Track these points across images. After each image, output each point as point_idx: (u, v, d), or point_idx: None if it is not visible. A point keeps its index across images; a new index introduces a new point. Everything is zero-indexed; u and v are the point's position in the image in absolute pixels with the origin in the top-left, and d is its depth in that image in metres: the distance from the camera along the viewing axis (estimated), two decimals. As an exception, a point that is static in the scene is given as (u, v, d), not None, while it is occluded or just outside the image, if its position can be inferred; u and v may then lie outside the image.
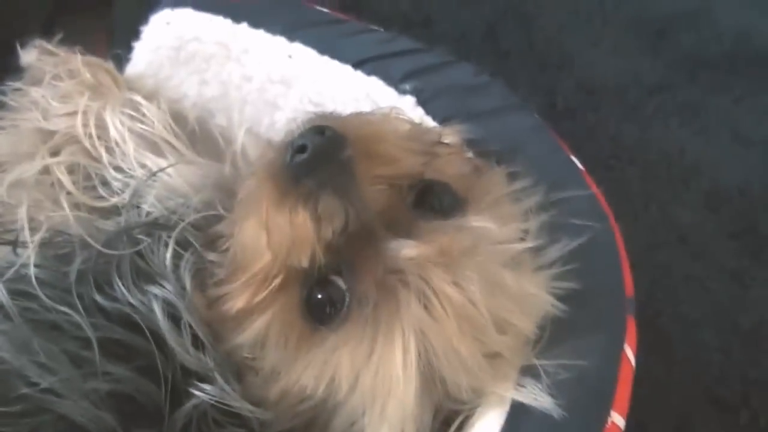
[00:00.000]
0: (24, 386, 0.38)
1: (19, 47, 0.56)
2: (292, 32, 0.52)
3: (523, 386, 0.38)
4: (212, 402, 0.39)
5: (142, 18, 0.59)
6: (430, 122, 0.49)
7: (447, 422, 0.39)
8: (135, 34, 0.59)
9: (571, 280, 0.40)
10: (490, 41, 0.87)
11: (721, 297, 0.71)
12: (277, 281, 0.40)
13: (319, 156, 0.39)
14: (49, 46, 0.56)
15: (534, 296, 0.39)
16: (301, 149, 0.39)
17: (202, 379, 0.40)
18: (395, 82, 0.49)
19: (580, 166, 0.47)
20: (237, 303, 0.41)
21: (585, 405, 0.38)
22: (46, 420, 0.38)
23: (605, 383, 0.38)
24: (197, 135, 0.51)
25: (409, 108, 0.48)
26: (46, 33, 0.57)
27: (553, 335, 0.39)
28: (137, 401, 0.39)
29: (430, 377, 0.38)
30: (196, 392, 0.39)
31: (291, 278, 0.40)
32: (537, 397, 0.38)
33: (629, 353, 0.40)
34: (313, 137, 0.39)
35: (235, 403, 0.40)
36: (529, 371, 0.38)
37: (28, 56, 0.56)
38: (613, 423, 0.38)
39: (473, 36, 0.87)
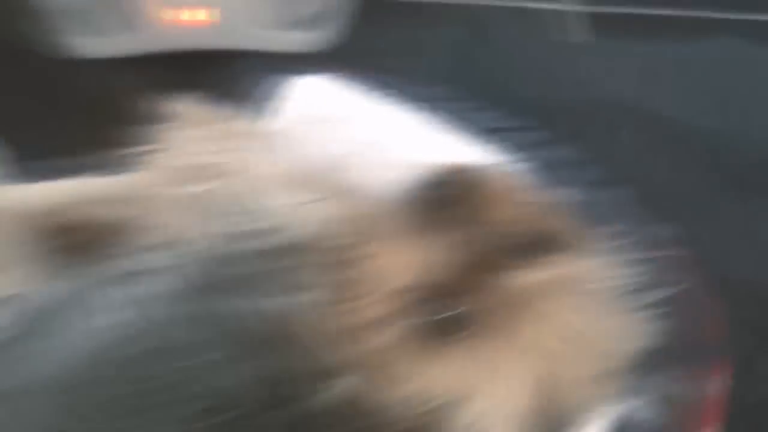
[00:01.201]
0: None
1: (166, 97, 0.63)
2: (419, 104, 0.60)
3: (621, 404, 0.43)
4: (345, 396, 0.45)
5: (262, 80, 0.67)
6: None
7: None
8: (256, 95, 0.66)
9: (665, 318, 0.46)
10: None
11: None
12: (409, 297, 0.45)
13: (455, 195, 0.45)
14: (194, 98, 0.64)
15: (635, 330, 0.45)
16: (438, 187, 0.45)
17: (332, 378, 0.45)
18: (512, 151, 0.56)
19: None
20: (370, 314, 0.46)
21: (677, 422, 0.43)
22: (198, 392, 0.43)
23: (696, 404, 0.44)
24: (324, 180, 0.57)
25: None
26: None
27: (648, 365, 0.44)
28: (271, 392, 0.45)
29: (543, 389, 0.43)
30: (332, 387, 0.45)
31: (421, 295, 0.45)
32: (634, 413, 0.43)
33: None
34: (449, 178, 0.46)
35: (362, 399, 0.45)
36: (628, 392, 0.44)
37: (175, 105, 0.63)
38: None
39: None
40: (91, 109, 0.81)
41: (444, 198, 0.46)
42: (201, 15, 0.90)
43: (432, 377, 0.45)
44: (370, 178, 0.56)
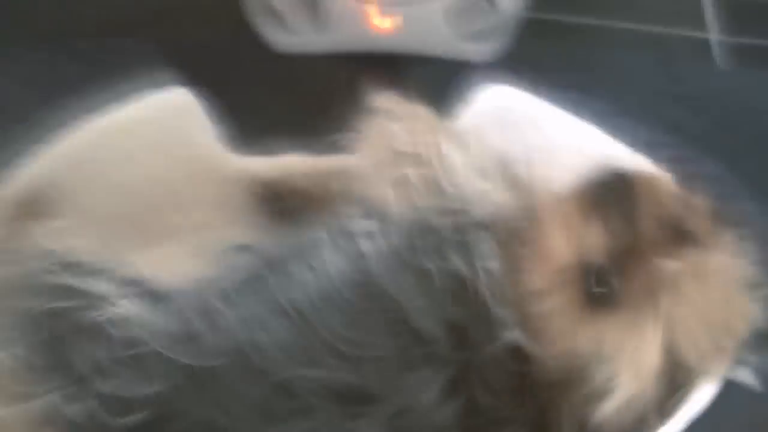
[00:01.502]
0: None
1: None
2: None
3: (735, 369, 0.55)
4: (511, 346, 0.57)
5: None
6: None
7: (675, 388, 0.56)
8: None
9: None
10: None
11: None
12: (571, 273, 0.57)
13: (616, 194, 0.57)
14: (393, 95, 0.76)
15: (752, 312, 0.56)
16: (603, 186, 0.57)
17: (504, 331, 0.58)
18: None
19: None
20: (537, 284, 0.58)
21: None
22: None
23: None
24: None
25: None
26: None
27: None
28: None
29: (672, 355, 0.55)
30: (502, 337, 0.57)
31: (581, 272, 0.57)
32: (746, 378, 0.54)
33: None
34: (613, 179, 0.58)
35: (526, 350, 0.57)
36: (741, 362, 0.55)
37: (379, 100, 0.76)
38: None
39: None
40: (310, 98, 0.95)
41: (607, 195, 0.57)
42: (387, 23, 1.03)
43: (582, 339, 0.56)
44: (544, 174, 0.68)
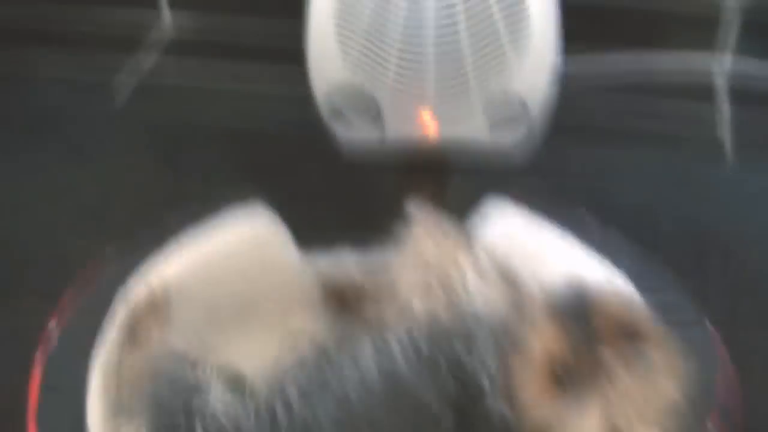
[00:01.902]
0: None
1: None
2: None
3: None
4: (492, 410, 0.78)
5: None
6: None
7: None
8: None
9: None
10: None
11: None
12: (542, 360, 0.78)
13: (577, 306, 0.78)
14: (423, 204, 0.98)
15: (673, 394, 0.77)
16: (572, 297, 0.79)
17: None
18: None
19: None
20: (517, 368, 0.80)
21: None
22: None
23: None
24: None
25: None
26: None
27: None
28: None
29: (610, 422, 0.76)
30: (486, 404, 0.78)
31: (551, 360, 0.78)
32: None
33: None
34: (577, 295, 0.79)
35: (505, 412, 0.78)
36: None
37: (412, 209, 0.98)
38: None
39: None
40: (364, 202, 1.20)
41: (569, 308, 0.79)
42: (428, 116, 1.26)
43: (548, 410, 0.78)
44: (537, 288, 0.89)
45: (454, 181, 1.26)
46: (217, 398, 0.76)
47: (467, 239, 0.95)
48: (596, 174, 1.31)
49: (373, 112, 1.27)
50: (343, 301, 1.01)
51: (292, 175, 1.28)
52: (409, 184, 1.18)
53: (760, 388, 0.98)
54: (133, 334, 0.88)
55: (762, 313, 1.15)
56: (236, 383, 0.79)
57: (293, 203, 1.04)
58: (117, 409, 0.81)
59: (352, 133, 1.28)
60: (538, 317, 0.80)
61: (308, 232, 1.04)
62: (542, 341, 0.78)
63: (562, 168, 1.26)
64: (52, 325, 0.88)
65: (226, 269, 0.98)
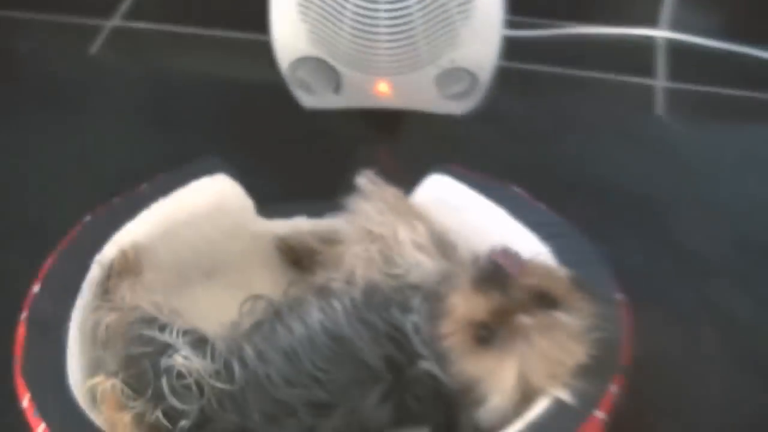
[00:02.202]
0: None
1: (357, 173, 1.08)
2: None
3: (563, 391, 0.87)
4: (425, 371, 0.90)
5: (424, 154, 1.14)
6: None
7: (525, 401, 0.88)
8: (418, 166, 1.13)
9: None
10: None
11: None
12: (466, 324, 0.89)
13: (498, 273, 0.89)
14: (372, 176, 1.08)
15: (579, 354, 0.88)
16: (488, 267, 0.89)
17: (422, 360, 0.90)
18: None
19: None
20: (444, 330, 0.91)
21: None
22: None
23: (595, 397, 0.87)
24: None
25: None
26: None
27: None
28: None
29: (524, 380, 0.87)
30: (420, 365, 0.90)
31: (474, 323, 0.89)
32: (567, 398, 0.87)
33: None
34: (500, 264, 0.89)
35: (437, 371, 0.89)
36: (568, 386, 0.87)
37: (361, 180, 1.08)
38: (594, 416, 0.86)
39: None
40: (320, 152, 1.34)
41: (489, 275, 0.89)
42: (384, 87, 1.36)
43: (470, 367, 0.89)
44: (463, 249, 1.00)
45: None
46: (183, 358, 0.87)
47: (409, 210, 1.05)
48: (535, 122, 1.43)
49: (333, 82, 1.37)
50: (298, 263, 1.12)
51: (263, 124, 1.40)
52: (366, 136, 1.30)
53: (669, 339, 1.12)
54: (107, 295, 0.99)
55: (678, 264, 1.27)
56: (200, 344, 0.90)
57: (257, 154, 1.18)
58: (95, 367, 0.92)
59: (315, 101, 1.38)
60: (467, 285, 0.90)
61: (271, 186, 1.18)
62: (469, 307, 0.89)
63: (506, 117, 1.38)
64: (35, 288, 0.98)
65: (191, 234, 1.09)
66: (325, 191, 1.11)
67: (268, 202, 1.15)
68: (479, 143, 1.40)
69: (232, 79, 1.55)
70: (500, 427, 0.88)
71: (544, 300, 0.89)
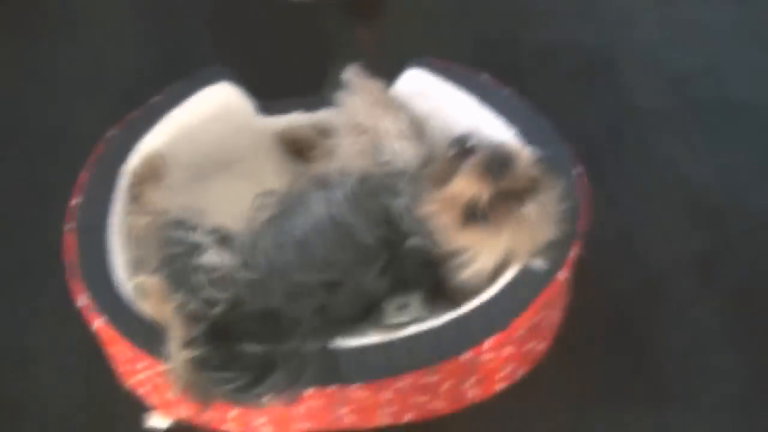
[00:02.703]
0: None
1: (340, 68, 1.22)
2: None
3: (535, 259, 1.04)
4: (417, 245, 1.06)
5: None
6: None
7: (504, 267, 1.05)
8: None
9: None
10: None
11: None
12: (459, 201, 1.04)
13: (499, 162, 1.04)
14: (357, 70, 1.22)
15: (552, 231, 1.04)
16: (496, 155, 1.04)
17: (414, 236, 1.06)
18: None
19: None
20: (436, 208, 1.06)
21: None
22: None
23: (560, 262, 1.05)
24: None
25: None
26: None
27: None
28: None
29: (508, 251, 1.04)
30: (410, 241, 1.06)
31: (465, 201, 1.04)
32: (539, 265, 1.04)
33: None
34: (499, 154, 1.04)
35: (425, 245, 1.06)
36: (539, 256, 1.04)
37: (347, 74, 1.22)
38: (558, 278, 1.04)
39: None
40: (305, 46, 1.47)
41: (492, 163, 1.02)
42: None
43: (459, 240, 1.05)
44: (443, 136, 1.14)
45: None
46: (213, 255, 1.03)
47: (392, 103, 1.19)
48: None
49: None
50: (299, 153, 1.27)
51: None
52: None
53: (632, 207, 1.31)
54: (136, 200, 1.14)
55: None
56: (225, 241, 1.05)
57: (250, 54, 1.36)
58: (136, 265, 1.08)
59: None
60: (465, 168, 1.03)
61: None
62: (463, 186, 1.02)
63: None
64: (75, 200, 1.13)
65: (204, 136, 1.24)
66: (317, 84, 1.24)
67: (263, 99, 1.30)
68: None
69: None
70: (478, 290, 1.05)
71: (529, 186, 1.03)
